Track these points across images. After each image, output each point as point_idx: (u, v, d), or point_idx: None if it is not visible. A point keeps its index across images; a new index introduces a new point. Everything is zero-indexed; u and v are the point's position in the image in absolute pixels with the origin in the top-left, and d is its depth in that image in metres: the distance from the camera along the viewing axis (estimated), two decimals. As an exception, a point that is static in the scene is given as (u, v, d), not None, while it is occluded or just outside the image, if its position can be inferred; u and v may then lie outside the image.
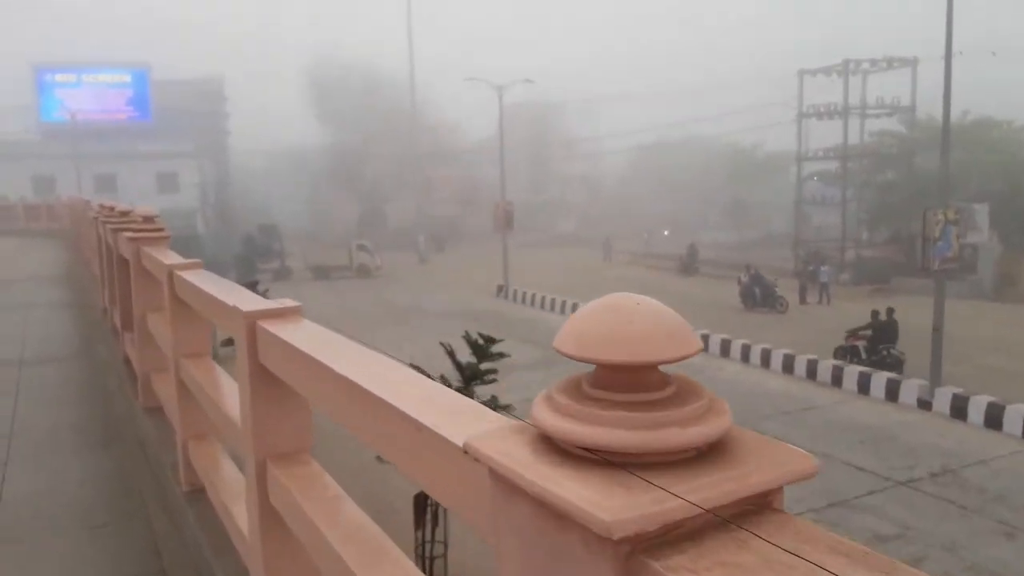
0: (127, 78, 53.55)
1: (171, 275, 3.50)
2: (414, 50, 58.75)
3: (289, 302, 2.24)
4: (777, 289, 28.75)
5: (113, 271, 6.59)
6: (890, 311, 20.45)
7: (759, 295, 28.58)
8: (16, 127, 51.86)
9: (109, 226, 6.67)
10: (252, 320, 2.14)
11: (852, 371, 18.54)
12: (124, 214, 6.32)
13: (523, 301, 32.08)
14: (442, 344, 9.21)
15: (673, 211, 66.56)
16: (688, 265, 40.41)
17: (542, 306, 30.58)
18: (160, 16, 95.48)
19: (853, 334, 20.53)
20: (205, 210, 50.67)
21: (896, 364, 19.26)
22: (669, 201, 68.26)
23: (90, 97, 51.72)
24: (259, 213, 54.22)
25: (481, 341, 8.94)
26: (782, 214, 60.61)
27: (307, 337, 1.97)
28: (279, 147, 63.52)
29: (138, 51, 76.34)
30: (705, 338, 22.57)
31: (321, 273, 40.52)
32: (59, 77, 52.45)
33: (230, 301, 2.27)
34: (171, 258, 3.80)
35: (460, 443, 1.01)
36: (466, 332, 9.24)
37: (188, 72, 56.98)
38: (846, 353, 20.22)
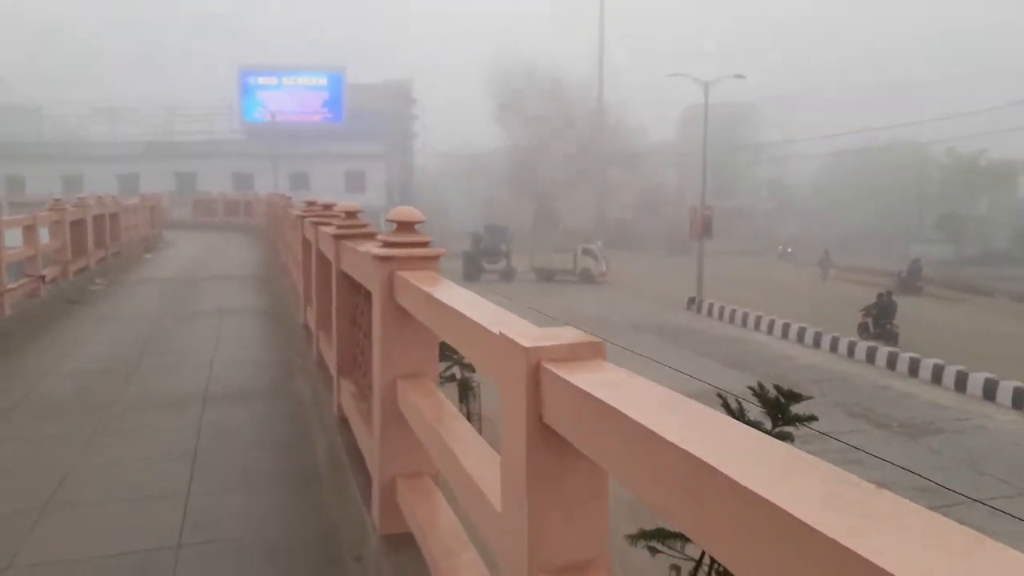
0: (324, 81, 55.18)
1: (539, 370, 1.38)
2: (604, 47, 56.69)
3: None
4: None
5: (331, 292, 4.78)
6: (889, 293, 25.32)
7: None
8: (222, 127, 54.90)
9: (326, 231, 4.87)
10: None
11: None
12: (351, 215, 4.46)
13: (720, 317, 28.92)
14: (721, 396, 6.88)
15: (873, 222, 60.31)
16: (909, 283, 35.45)
17: (744, 324, 27.30)
18: (352, 23, 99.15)
19: (866, 311, 24.45)
20: (390, 210, 50.91)
21: (892, 337, 23.17)
22: (869, 211, 61.98)
23: (289, 99, 53.70)
24: (438, 213, 54.13)
25: (779, 397, 6.54)
26: (1005, 229, 53.67)
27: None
28: (460, 148, 63.61)
29: (331, 55, 79.32)
30: (963, 376, 18.75)
31: (545, 276, 39.26)
32: (261, 80, 54.88)
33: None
34: (528, 332, 1.61)
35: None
36: (758, 383, 6.83)
37: (376, 76, 58.11)
38: (862, 328, 24.08)
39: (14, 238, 9.67)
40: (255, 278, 13.31)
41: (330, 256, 4.69)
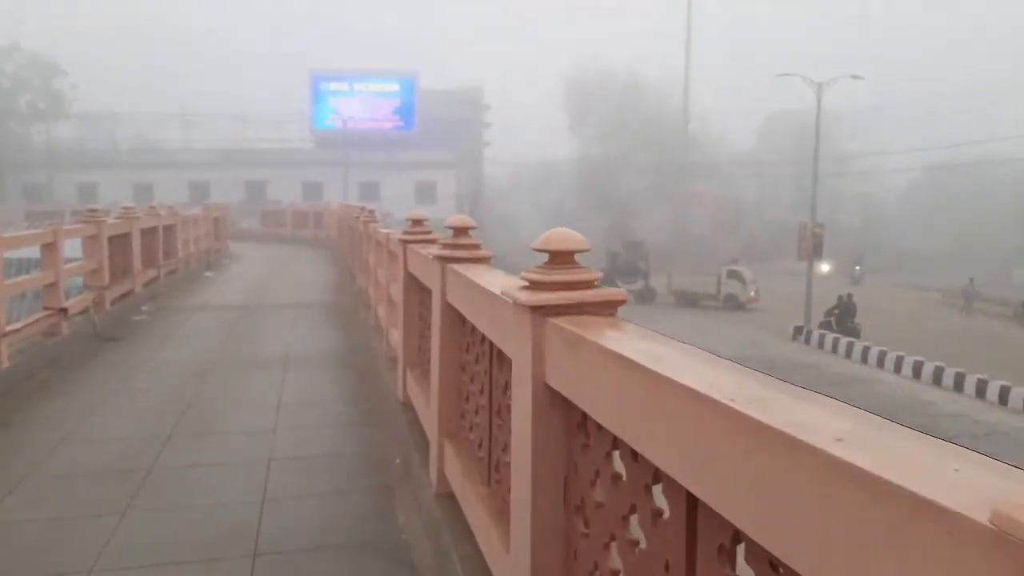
0: (396, 87, 53.62)
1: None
2: (691, 50, 53.62)
3: None
4: None
5: (486, 391, 2.39)
6: (849, 296, 28.59)
7: None
8: (292, 135, 53.86)
9: (497, 285, 2.50)
10: None
11: None
12: (562, 259, 2.05)
13: (834, 350, 25.71)
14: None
15: (970, 242, 55.73)
16: (1038, 314, 31.76)
17: (864, 359, 24.02)
18: (423, 26, 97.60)
19: (830, 312, 28.01)
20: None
21: (856, 332, 26.47)
22: (966, 231, 57.42)
23: (360, 105, 52.26)
24: (507, 226, 51.87)
25: None
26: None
27: None
28: (532, 158, 61.40)
29: (402, 60, 78.20)
30: None
31: (686, 300, 35.80)
32: (333, 85, 53.62)
33: None
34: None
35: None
36: None
37: (448, 81, 56.22)
38: (826, 326, 27.51)
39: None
40: (328, 307, 11.12)
41: (506, 343, 2.29)
